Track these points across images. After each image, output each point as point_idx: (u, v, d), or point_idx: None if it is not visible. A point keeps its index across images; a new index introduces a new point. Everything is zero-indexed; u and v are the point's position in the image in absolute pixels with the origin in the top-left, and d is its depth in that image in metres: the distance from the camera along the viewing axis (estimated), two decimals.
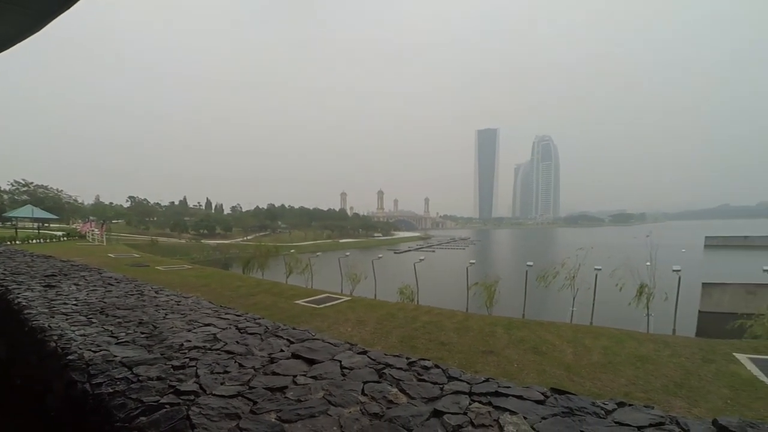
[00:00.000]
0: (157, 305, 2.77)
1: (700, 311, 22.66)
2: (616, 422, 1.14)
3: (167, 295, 3.17)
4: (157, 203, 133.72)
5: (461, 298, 15.75)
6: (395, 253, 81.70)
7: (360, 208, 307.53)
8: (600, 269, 13.63)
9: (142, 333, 2.10)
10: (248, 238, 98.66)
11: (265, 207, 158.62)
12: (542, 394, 1.37)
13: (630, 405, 1.26)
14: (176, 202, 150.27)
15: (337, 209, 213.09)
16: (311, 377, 1.53)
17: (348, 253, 22.43)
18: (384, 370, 1.54)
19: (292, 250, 23.54)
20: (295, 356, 1.74)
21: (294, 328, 2.19)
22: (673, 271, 12.83)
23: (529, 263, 15.44)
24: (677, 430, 1.07)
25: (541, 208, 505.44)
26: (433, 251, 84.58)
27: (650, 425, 1.10)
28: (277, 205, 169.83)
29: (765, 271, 13.34)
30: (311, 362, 1.66)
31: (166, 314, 2.51)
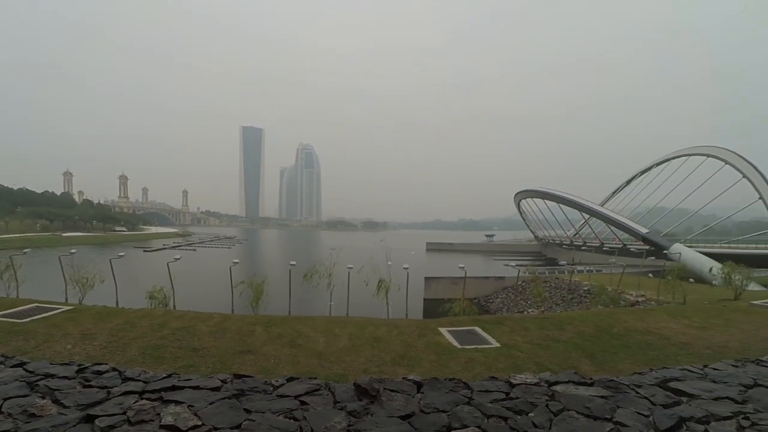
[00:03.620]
0: None
1: (424, 298, 29.34)
2: (278, 395, 1.31)
3: None
4: None
5: (226, 300, 14.91)
6: (145, 251, 71.07)
7: (94, 194, 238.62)
8: (352, 267, 15.49)
9: None
10: None
11: None
12: (222, 381, 1.43)
13: (297, 379, 1.48)
14: None
15: (58, 192, 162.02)
16: None
17: (74, 250, 17.54)
18: (40, 382, 1.26)
19: None
20: None
21: None
22: (404, 268, 15.98)
23: (292, 262, 16.01)
24: (326, 393, 1.33)
25: (306, 212, 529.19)
26: (194, 250, 77.60)
27: (307, 393, 1.33)
28: None
29: (460, 267, 18.52)
30: None
31: None
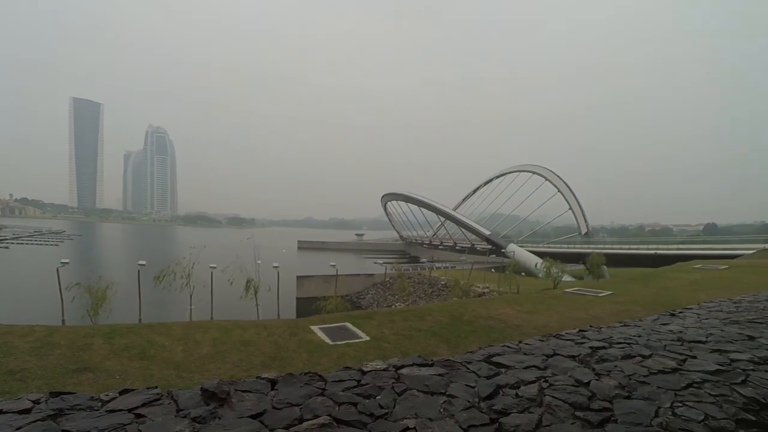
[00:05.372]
0: None
1: (297, 297, 29.03)
2: (108, 411, 1.20)
3: None
4: None
5: (54, 309, 12.38)
6: None
7: None
8: (215, 267, 14.43)
9: None
10: None
11: None
12: (34, 401, 1.24)
13: (132, 390, 1.38)
14: None
15: None
16: None
17: None
18: None
19: None
20: None
21: None
22: (274, 267, 15.57)
23: (141, 262, 14.10)
24: (168, 402, 1.27)
25: (158, 204, 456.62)
26: (7, 248, 62.94)
27: (144, 404, 1.25)
28: None
29: (332, 266, 18.98)
30: None
31: None
